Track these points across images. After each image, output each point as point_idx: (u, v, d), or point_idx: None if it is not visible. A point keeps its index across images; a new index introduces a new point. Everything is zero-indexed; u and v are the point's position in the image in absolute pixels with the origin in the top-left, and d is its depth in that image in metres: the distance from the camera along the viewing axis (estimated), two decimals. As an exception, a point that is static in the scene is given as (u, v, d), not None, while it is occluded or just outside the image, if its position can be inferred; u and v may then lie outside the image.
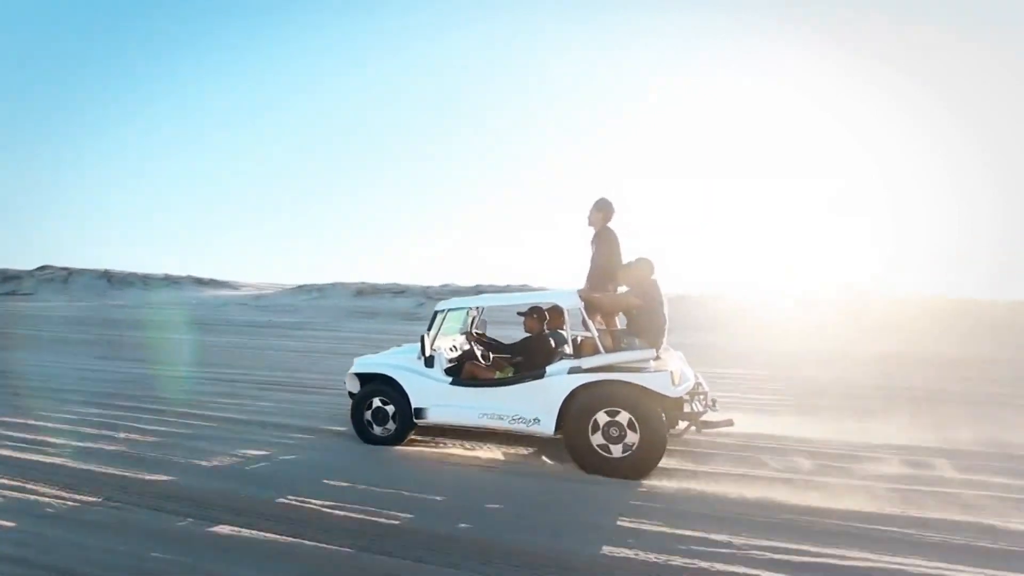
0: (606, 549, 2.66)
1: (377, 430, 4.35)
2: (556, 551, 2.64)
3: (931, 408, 6.06)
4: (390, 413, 4.30)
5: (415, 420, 4.26)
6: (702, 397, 4.06)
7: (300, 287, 32.95)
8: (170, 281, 37.19)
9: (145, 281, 36.53)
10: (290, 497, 3.26)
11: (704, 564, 2.52)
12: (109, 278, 36.12)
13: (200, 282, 38.01)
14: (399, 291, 29.47)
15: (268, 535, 2.79)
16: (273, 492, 3.34)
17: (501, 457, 4.11)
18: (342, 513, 3.05)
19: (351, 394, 4.64)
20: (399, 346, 5.27)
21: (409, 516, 3.03)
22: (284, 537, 2.77)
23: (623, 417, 3.68)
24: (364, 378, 4.55)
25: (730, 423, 4.02)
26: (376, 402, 4.34)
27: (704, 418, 3.95)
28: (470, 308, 4.96)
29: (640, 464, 3.65)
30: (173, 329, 15.29)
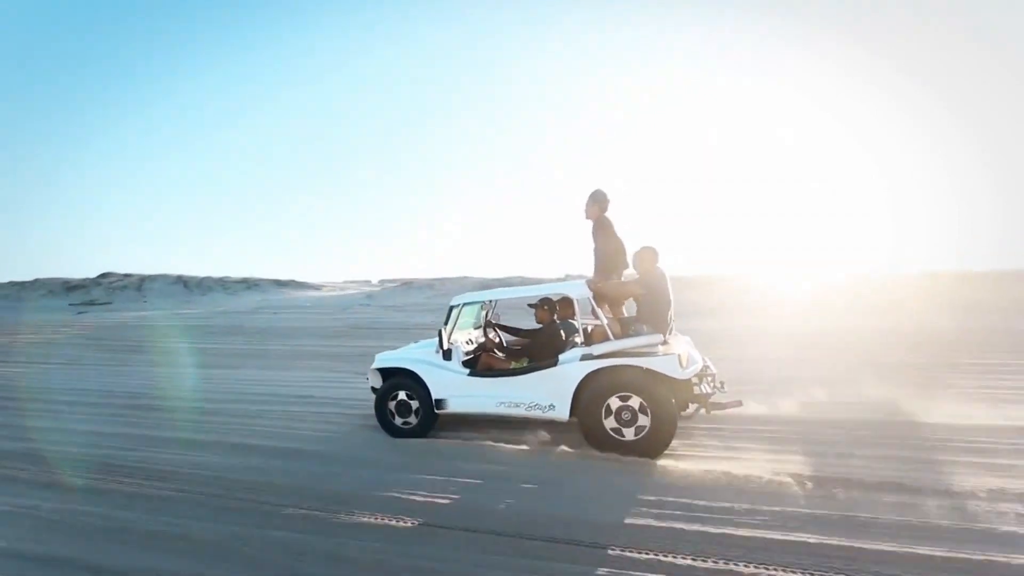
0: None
1: (400, 422, 4.57)
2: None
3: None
4: (413, 407, 4.52)
5: (436, 411, 4.47)
6: (710, 379, 4.22)
7: (407, 283, 29.86)
8: (249, 284, 34.16)
9: (224, 285, 33.72)
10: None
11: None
12: (185, 283, 33.56)
13: (279, 284, 34.80)
14: (526, 284, 27.68)
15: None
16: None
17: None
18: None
19: (373, 389, 4.86)
20: (415, 342, 5.48)
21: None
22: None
23: (634, 400, 3.87)
24: (386, 373, 4.77)
25: (739, 404, 4.18)
26: (401, 395, 4.56)
27: (713, 399, 4.12)
28: (483, 302, 5.14)
29: (652, 445, 3.83)
30: (376, 336, 12.77)
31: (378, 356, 4.92)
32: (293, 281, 35.49)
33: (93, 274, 35.16)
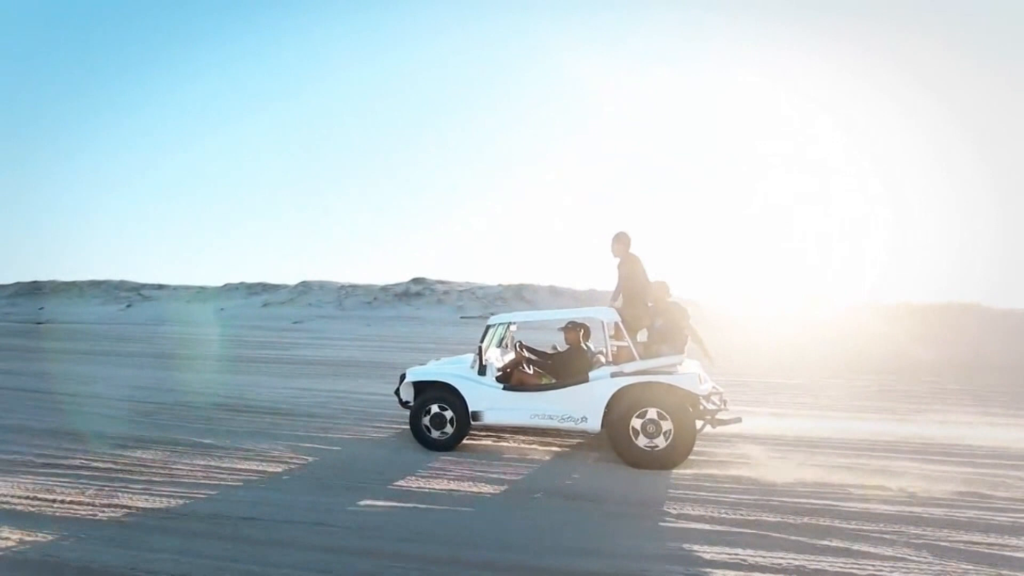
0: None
1: (436, 434, 4.78)
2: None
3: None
4: (448, 418, 4.76)
5: (472, 422, 4.73)
6: (716, 397, 4.82)
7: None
8: (525, 290, 30.99)
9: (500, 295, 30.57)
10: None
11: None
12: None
13: (555, 291, 31.14)
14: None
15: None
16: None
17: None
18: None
19: (403, 403, 5.05)
20: (438, 359, 5.73)
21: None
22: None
23: (659, 414, 4.36)
24: (419, 387, 4.99)
25: (738, 420, 4.78)
26: (434, 409, 4.78)
27: (718, 416, 4.69)
28: (509, 323, 5.51)
29: (674, 455, 4.31)
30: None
31: (410, 370, 5.12)
32: (569, 289, 31.80)
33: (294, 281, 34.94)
